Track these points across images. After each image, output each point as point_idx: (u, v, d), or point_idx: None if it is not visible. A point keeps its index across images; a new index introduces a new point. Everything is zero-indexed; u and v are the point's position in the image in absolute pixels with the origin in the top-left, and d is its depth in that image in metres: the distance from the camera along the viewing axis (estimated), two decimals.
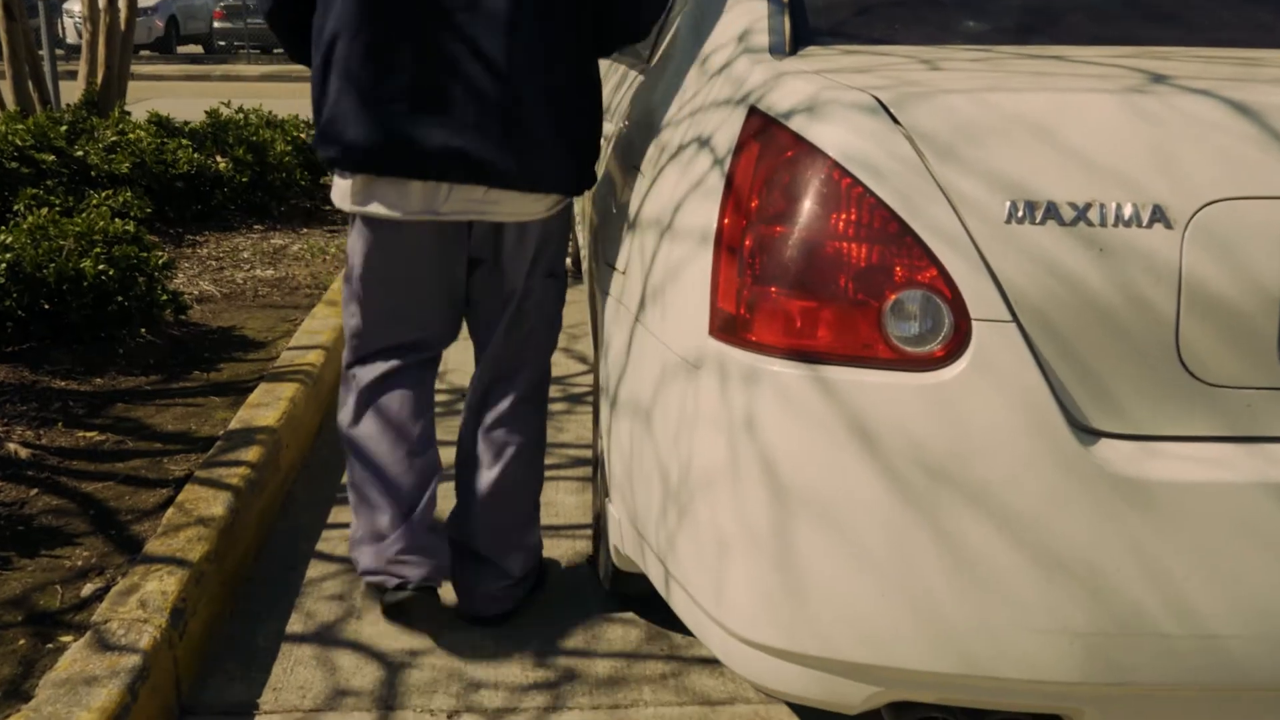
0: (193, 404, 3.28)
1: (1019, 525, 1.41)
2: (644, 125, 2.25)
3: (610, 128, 2.63)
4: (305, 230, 5.54)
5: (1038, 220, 1.45)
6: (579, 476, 3.08)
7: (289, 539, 2.75)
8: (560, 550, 2.69)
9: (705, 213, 1.71)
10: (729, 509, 1.55)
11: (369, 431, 2.26)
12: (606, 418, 2.13)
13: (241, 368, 3.60)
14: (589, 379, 3.84)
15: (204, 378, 3.50)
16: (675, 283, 1.77)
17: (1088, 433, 1.44)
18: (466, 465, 2.33)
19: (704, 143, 1.82)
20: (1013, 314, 1.44)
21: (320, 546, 2.71)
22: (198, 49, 20.89)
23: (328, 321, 3.92)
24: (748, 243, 1.59)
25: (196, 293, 4.40)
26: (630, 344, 1.97)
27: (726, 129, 1.76)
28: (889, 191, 1.49)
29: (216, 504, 2.53)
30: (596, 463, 2.68)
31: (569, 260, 5.49)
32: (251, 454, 2.82)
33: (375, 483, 2.25)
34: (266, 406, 3.13)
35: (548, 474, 2.95)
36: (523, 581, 2.39)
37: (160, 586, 2.19)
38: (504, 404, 2.29)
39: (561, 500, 2.94)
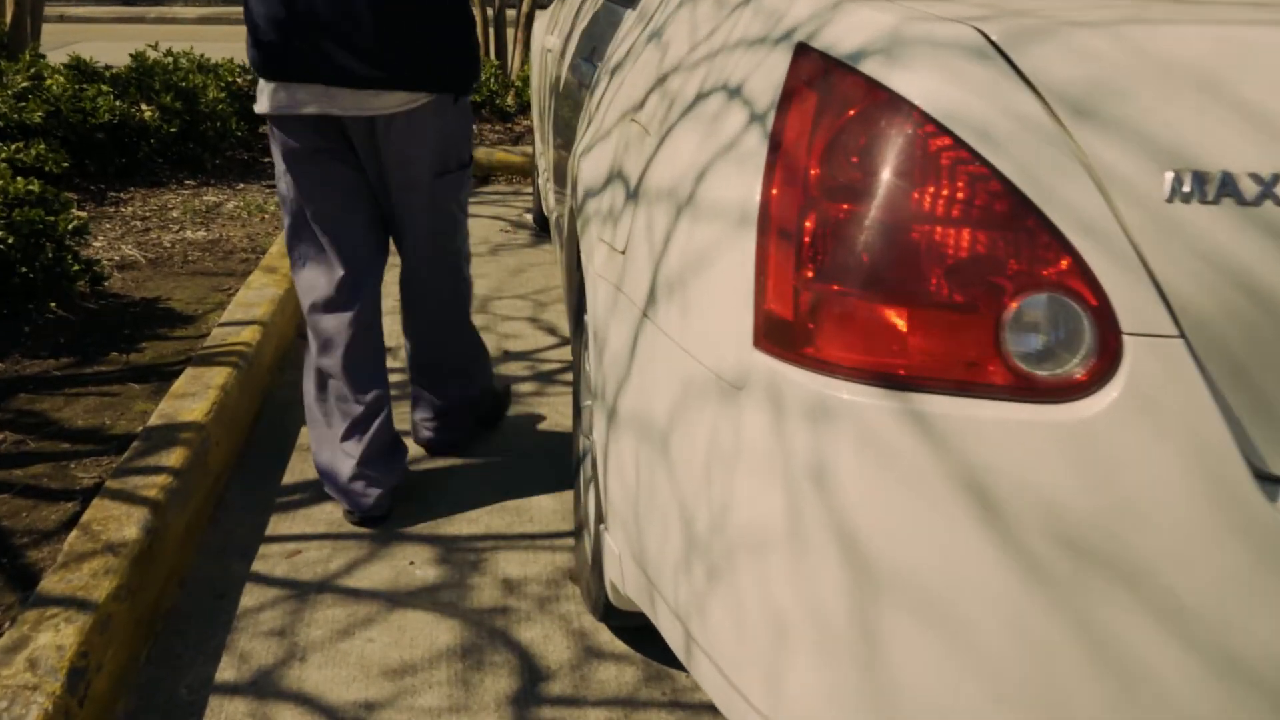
0: (108, 393, 2.84)
1: (1189, 616, 1.05)
2: (642, 66, 1.85)
3: (596, 69, 2.22)
4: (241, 186, 5.06)
5: (1209, 198, 1.08)
6: (556, 477, 2.70)
7: (219, 558, 2.34)
8: (538, 566, 2.32)
9: (741, 184, 1.32)
10: (788, 582, 1.18)
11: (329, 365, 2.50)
12: (602, 430, 1.75)
13: (166, 347, 3.16)
14: (561, 354, 3.44)
15: (123, 360, 3.06)
16: (701, 273, 1.38)
17: (1276, 484, 1.08)
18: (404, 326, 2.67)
19: (733, 92, 1.43)
20: (1178, 326, 1.07)
21: (257, 566, 2.31)
22: None
23: (265, 292, 3.48)
24: (808, 224, 1.21)
25: (118, 259, 3.93)
26: (636, 345, 1.58)
27: (765, 74, 1.36)
28: (1006, 160, 1.11)
29: (129, 524, 2.12)
30: (578, 464, 2.30)
31: (529, 215, 5.07)
32: (174, 457, 2.41)
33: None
34: (193, 397, 2.71)
35: (520, 466, 2.60)
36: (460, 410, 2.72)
37: (55, 639, 1.79)
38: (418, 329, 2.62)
39: (537, 505, 2.56)
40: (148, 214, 4.55)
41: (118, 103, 4.96)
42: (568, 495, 2.60)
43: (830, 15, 1.31)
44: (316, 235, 2.40)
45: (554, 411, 3.04)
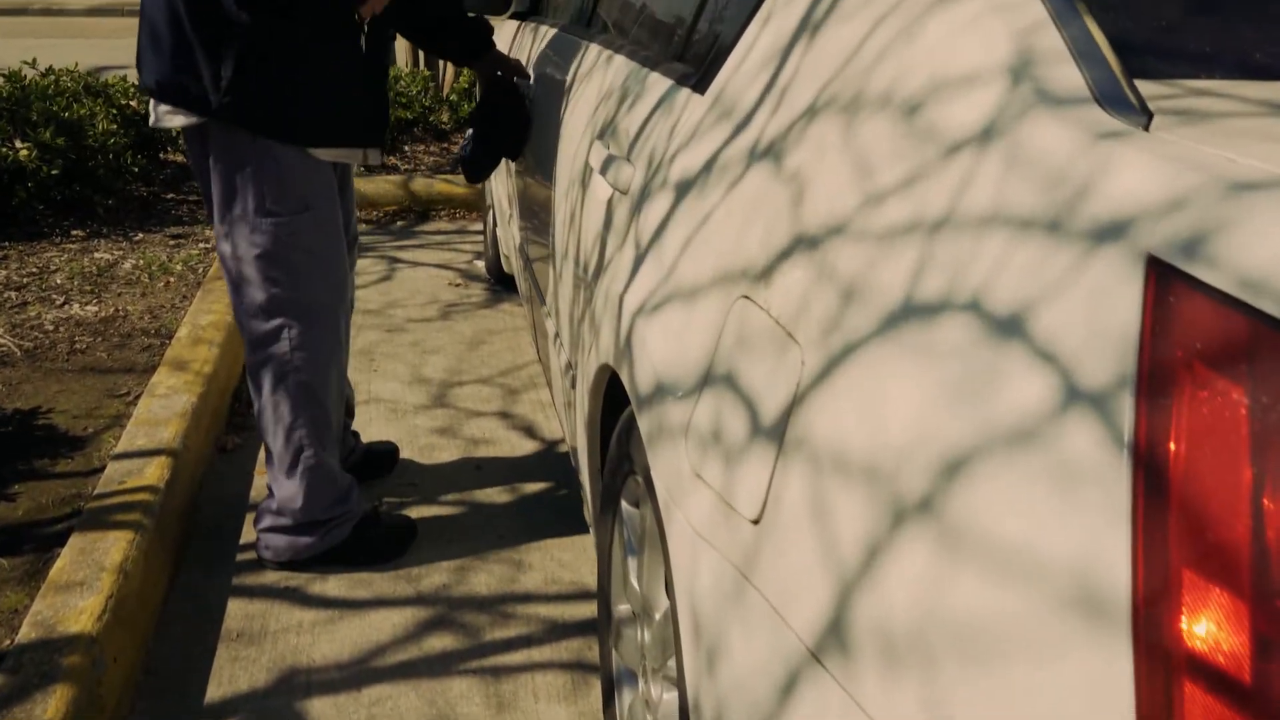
0: None
1: None
2: (749, 204, 1.23)
3: (630, 163, 1.58)
4: (140, 236, 4.30)
5: None
6: (567, 665, 2.06)
7: None
8: None
9: (1064, 533, 0.72)
10: None
11: None
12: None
13: (46, 491, 2.45)
14: (544, 465, 2.80)
15: None
16: (979, 668, 0.77)
17: None
18: None
19: (991, 325, 0.82)
20: None
21: None
22: None
23: (173, 403, 2.78)
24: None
25: None
26: (792, 693, 0.97)
27: (1073, 306, 0.77)
28: None
29: None
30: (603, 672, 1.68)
31: (481, 263, 4.40)
32: (53, 704, 1.73)
33: None
34: (82, 588, 2.03)
35: (518, 668, 1.94)
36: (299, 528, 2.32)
37: None
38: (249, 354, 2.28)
39: (542, 712, 1.93)
40: (24, 279, 3.78)
41: None
42: (581, 702, 1.97)
43: (1209, 203, 0.71)
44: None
45: (548, 560, 2.40)
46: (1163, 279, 0.74)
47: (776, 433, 1.05)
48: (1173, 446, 0.72)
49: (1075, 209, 0.82)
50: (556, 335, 2.23)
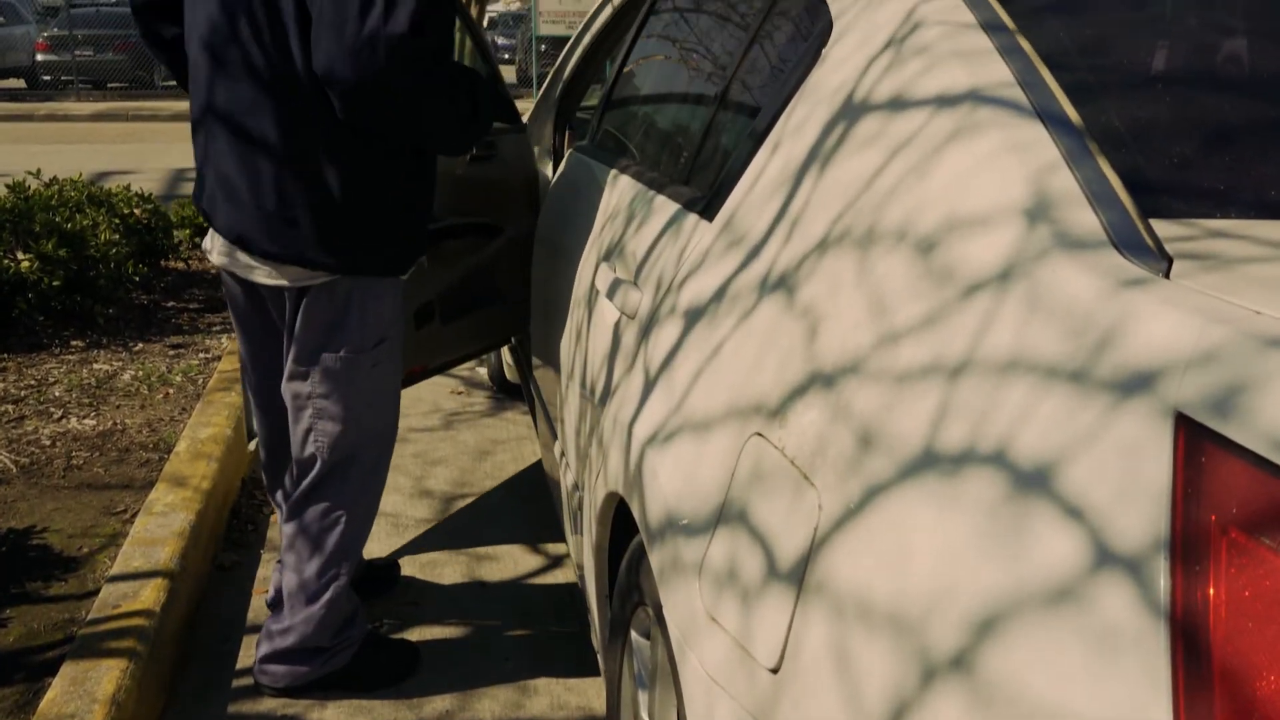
0: None
1: None
2: (760, 336, 1.22)
3: (640, 291, 1.57)
4: (139, 346, 4.29)
5: None
6: None
7: None
8: None
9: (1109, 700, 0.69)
10: None
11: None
12: None
13: (38, 615, 2.40)
14: (555, 580, 2.74)
15: None
16: None
17: None
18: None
19: (1014, 480, 0.80)
20: None
21: None
22: (19, 83, 18.87)
23: (171, 521, 2.74)
24: None
25: None
26: None
27: (1098, 462, 0.75)
28: None
29: None
30: None
31: (484, 370, 4.39)
32: None
33: None
34: None
35: None
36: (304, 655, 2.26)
37: None
38: (297, 485, 2.25)
39: None
40: (23, 392, 3.76)
41: None
42: None
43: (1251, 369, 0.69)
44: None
45: (554, 684, 2.33)
46: (1192, 437, 0.72)
47: (795, 578, 1.02)
48: (1211, 615, 0.70)
49: (1100, 359, 0.81)
50: (563, 454, 2.20)
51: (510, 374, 3.89)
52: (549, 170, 3.14)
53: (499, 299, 2.89)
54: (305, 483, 2.22)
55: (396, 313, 2.18)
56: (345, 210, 2.00)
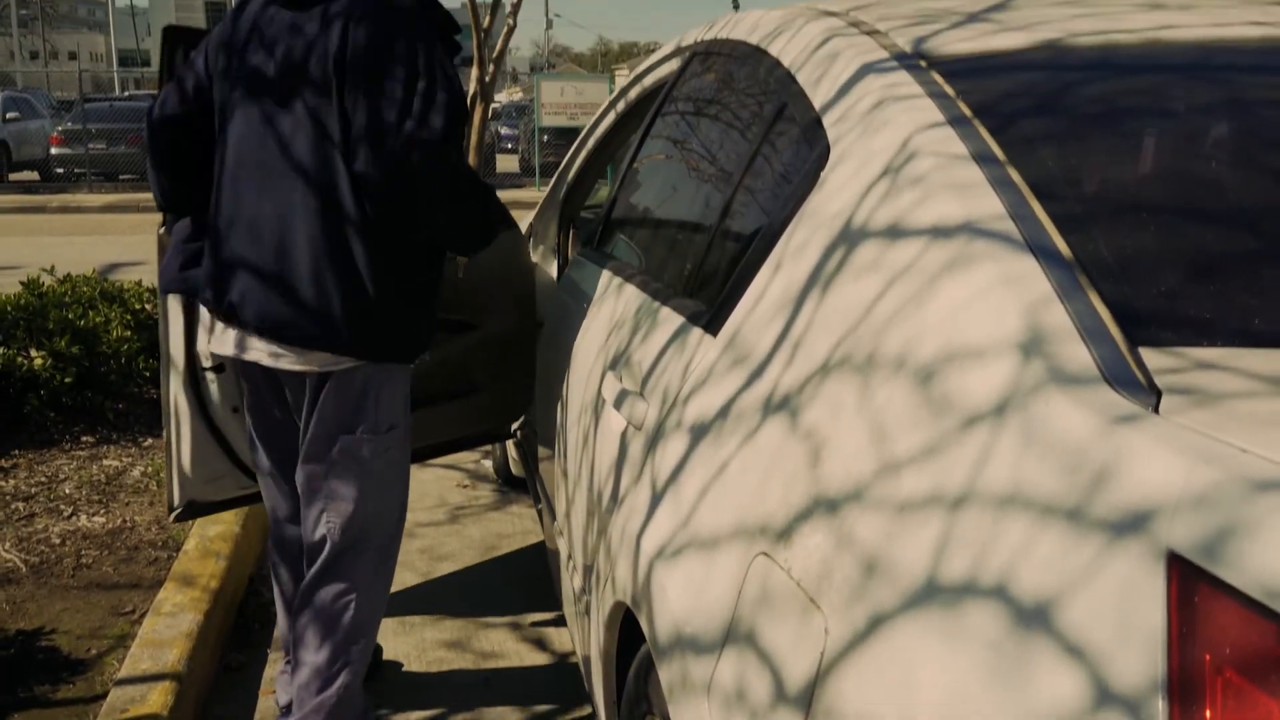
0: None
1: None
2: (762, 466, 1.25)
3: (653, 421, 1.61)
4: (149, 442, 4.32)
5: None
6: None
7: None
8: None
9: None
10: None
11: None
12: None
13: None
14: (565, 685, 2.74)
15: None
16: None
17: None
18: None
19: (1019, 618, 0.82)
20: None
21: None
22: (34, 176, 19.19)
23: (179, 621, 2.75)
24: None
25: None
26: None
27: (1103, 600, 0.78)
28: None
29: None
30: None
31: (489, 462, 4.41)
32: None
33: None
34: None
35: None
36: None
37: None
38: (315, 564, 2.30)
39: None
40: (33, 489, 3.79)
41: (1, 350, 4.24)
42: None
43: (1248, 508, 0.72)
44: None
45: None
46: (1186, 578, 0.75)
47: (802, 702, 1.04)
48: None
49: (1094, 497, 0.84)
50: (569, 557, 2.22)
51: (515, 468, 3.91)
52: (553, 269, 3.20)
53: (469, 391, 2.94)
54: (317, 565, 2.27)
55: (407, 399, 2.28)
56: (375, 301, 2.11)
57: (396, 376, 2.23)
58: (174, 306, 2.55)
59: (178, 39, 2.52)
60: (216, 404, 2.60)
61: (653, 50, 2.81)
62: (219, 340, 2.23)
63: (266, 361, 2.16)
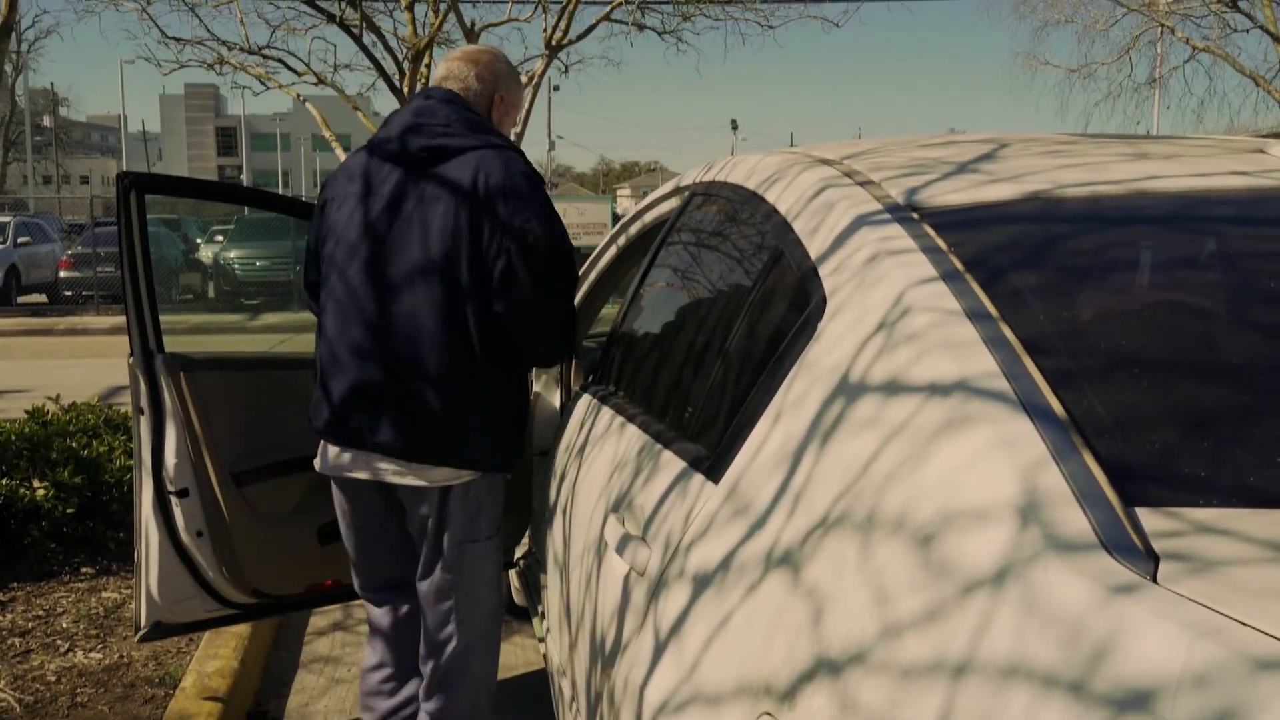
0: None
1: None
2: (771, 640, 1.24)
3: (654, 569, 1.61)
4: None
5: None
6: None
7: None
8: None
9: None
10: None
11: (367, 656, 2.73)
12: None
13: None
14: None
15: None
16: None
17: None
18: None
19: None
20: None
21: None
22: (41, 299, 19.43)
23: None
24: None
25: None
26: None
27: None
28: None
29: None
30: None
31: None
32: None
33: None
34: None
35: None
36: None
37: None
38: (427, 668, 2.56)
39: None
40: (30, 623, 3.75)
41: (3, 481, 4.25)
42: None
43: None
44: None
45: None
46: None
47: None
48: None
49: (1095, 672, 0.84)
50: (573, 699, 2.19)
51: (518, 597, 3.87)
52: (555, 399, 3.23)
53: None
54: (443, 660, 2.52)
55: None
56: (497, 417, 2.43)
57: (500, 484, 2.53)
58: (144, 429, 2.65)
59: (134, 185, 2.65)
60: (181, 528, 2.69)
61: (653, 170, 2.90)
62: (334, 463, 2.47)
63: (391, 479, 2.39)
